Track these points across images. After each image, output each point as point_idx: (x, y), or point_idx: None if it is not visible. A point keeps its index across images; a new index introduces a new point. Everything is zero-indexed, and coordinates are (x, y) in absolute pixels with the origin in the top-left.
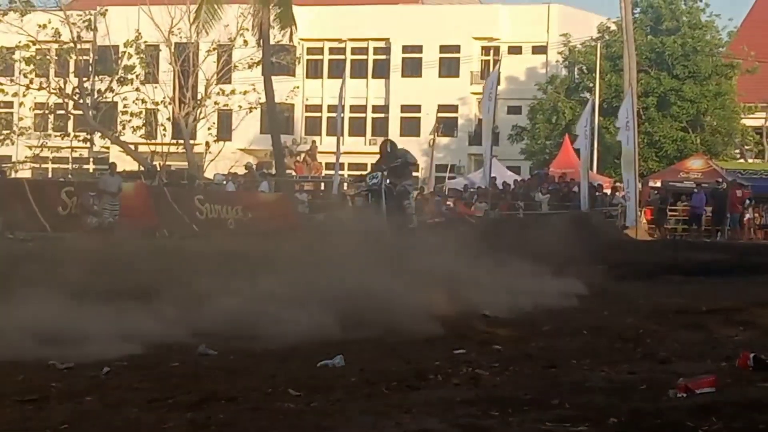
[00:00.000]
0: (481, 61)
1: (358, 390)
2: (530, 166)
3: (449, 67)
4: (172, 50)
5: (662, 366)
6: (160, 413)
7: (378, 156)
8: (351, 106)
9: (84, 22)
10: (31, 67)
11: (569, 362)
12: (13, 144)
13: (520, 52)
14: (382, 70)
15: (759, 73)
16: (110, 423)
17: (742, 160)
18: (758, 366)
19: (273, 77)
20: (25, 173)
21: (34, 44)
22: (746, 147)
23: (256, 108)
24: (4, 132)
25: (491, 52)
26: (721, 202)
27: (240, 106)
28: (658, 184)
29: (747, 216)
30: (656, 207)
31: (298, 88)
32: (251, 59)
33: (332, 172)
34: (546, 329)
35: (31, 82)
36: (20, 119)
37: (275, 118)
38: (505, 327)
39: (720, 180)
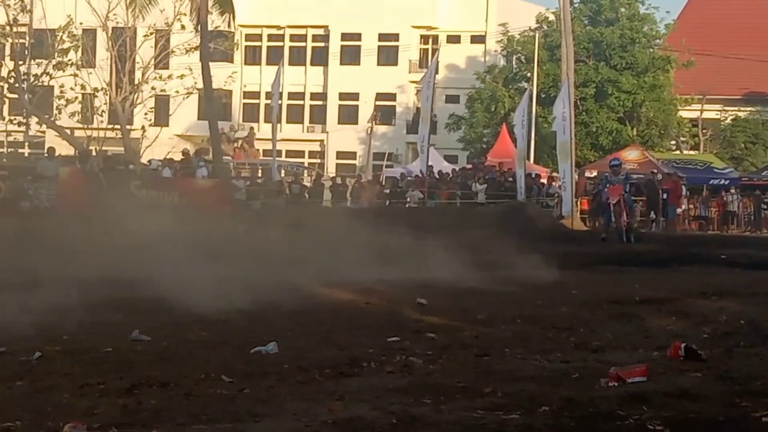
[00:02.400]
0: (420, 49)
1: (291, 377)
2: (468, 155)
3: (388, 56)
4: (109, 35)
5: (595, 355)
6: (92, 398)
7: None
8: (289, 93)
9: (19, 4)
10: None
11: (502, 351)
12: None
13: (459, 41)
14: (320, 58)
15: (695, 65)
16: (41, 408)
17: (677, 152)
18: (689, 356)
19: (211, 63)
20: None
21: None
22: (682, 139)
23: (193, 93)
24: None
25: (430, 40)
26: (655, 193)
27: (177, 92)
28: (594, 174)
29: (682, 207)
30: (592, 197)
31: (236, 73)
32: (189, 44)
33: (270, 158)
34: (480, 318)
35: None
36: None
37: (213, 104)
38: (439, 315)
39: (655, 171)
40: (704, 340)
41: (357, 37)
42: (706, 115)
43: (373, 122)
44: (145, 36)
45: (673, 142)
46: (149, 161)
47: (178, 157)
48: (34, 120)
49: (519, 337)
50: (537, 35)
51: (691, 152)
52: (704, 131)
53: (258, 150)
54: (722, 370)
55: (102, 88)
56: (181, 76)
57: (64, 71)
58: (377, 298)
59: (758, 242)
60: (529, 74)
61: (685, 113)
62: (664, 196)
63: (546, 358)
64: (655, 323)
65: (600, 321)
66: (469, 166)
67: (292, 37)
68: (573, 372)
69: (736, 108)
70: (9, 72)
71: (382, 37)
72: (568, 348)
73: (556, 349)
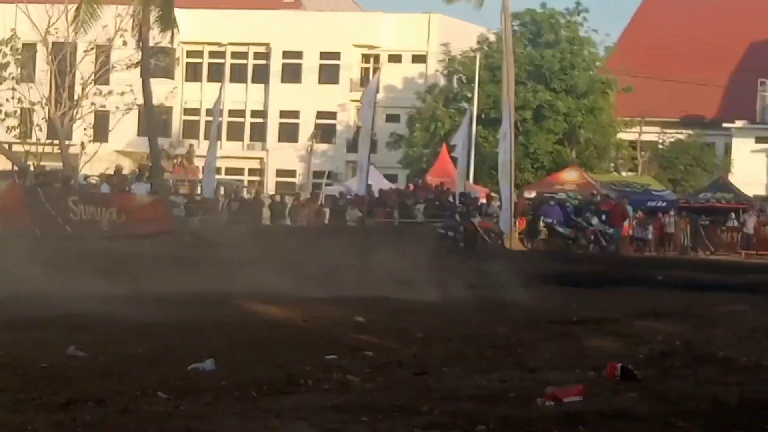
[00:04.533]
0: (361, 68)
1: (228, 393)
2: (408, 175)
3: (329, 74)
4: (49, 49)
5: (532, 375)
6: (26, 414)
7: None
8: (230, 111)
9: None
10: None
11: (440, 369)
12: None
13: (400, 61)
14: (261, 75)
15: (635, 88)
16: None
17: (615, 173)
18: (625, 376)
19: (151, 79)
20: None
21: None
22: (620, 160)
23: (133, 109)
24: None
25: (371, 59)
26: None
27: (117, 108)
28: (533, 195)
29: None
30: (529, 217)
31: (176, 89)
32: (130, 60)
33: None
34: (418, 336)
35: None
36: None
37: (153, 120)
38: (377, 333)
39: (594, 192)
40: (640, 360)
41: (298, 55)
42: (644, 137)
43: (314, 140)
44: (85, 51)
45: (612, 164)
46: (84, 177)
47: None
48: None
49: (457, 356)
50: (478, 56)
51: (630, 174)
52: (643, 153)
53: (198, 167)
54: (658, 390)
55: (40, 102)
56: (122, 93)
57: (0, 84)
58: (315, 316)
59: (694, 264)
60: (469, 94)
61: (624, 135)
62: (603, 217)
63: (484, 377)
64: (592, 343)
65: (537, 341)
66: (405, 185)
67: (234, 54)
68: (510, 391)
69: (674, 130)
70: None
71: (324, 55)
72: (506, 367)
73: (494, 368)
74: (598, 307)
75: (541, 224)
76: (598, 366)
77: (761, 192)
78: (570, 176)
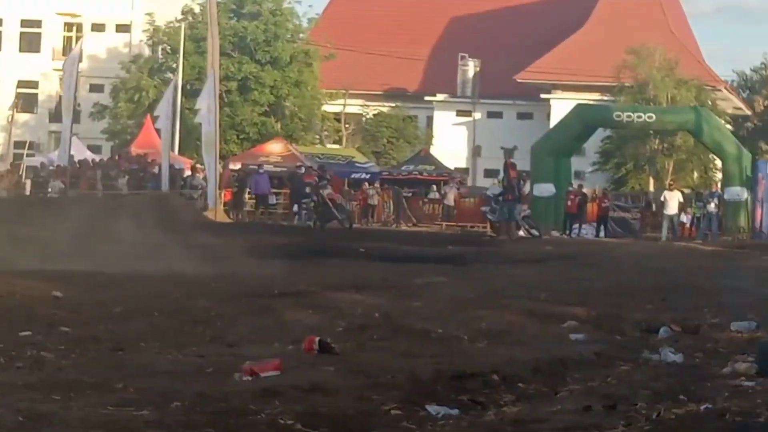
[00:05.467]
0: (64, 37)
1: None
2: (112, 146)
3: (30, 42)
4: None
5: (230, 349)
6: None
7: None
8: None
9: None
10: None
11: (138, 345)
12: None
13: (104, 30)
14: None
15: (339, 60)
16: None
17: (320, 145)
18: (323, 350)
19: None
20: None
21: None
22: (325, 132)
23: None
24: None
25: (74, 28)
26: (299, 185)
27: None
28: (239, 167)
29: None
30: (235, 189)
31: None
32: None
33: None
34: (117, 311)
35: None
36: None
37: None
38: (75, 308)
39: (299, 164)
40: (339, 333)
41: None
42: (348, 109)
43: (14, 110)
44: None
45: (317, 136)
46: None
47: None
48: None
49: (155, 331)
50: (183, 26)
51: (335, 146)
52: (347, 126)
53: None
54: (354, 363)
55: None
56: None
57: None
58: (11, 291)
59: (397, 236)
60: (174, 65)
61: (329, 107)
62: (307, 189)
63: (181, 352)
64: (292, 317)
65: (237, 314)
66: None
67: None
68: (207, 366)
69: (378, 103)
70: None
71: (25, 23)
72: (204, 342)
73: (192, 343)
74: (300, 280)
75: (246, 196)
76: (297, 340)
77: (462, 164)
78: (275, 148)
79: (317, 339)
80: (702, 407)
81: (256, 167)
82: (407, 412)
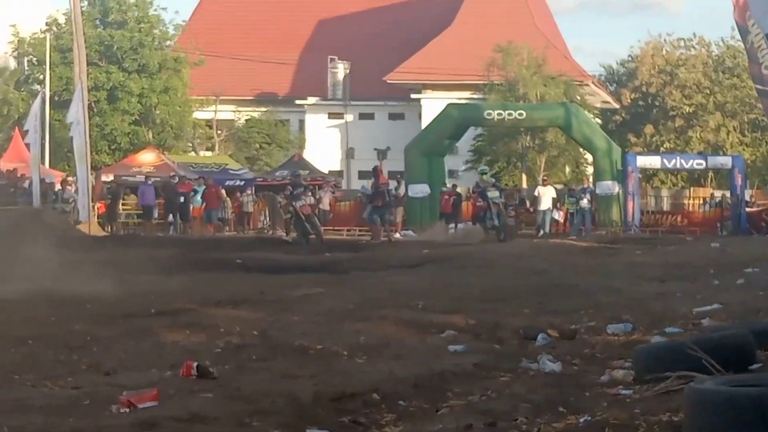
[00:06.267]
0: None
1: None
2: None
3: None
4: None
5: (107, 378)
6: None
7: None
8: None
9: None
10: None
11: (11, 377)
12: None
13: None
14: None
15: (208, 67)
16: None
17: (193, 153)
18: (201, 374)
19: None
20: None
21: None
22: (197, 140)
23: None
24: None
25: None
26: (173, 195)
27: None
28: (111, 178)
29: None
30: (108, 201)
31: None
32: None
33: None
34: None
35: None
36: None
37: None
38: None
39: (173, 174)
40: (217, 354)
41: None
42: (220, 116)
43: None
44: None
45: (189, 144)
46: None
47: None
48: None
49: (29, 361)
50: (48, 37)
51: (207, 153)
52: (219, 132)
53: None
54: (233, 388)
55: None
56: None
57: None
58: None
59: (271, 243)
60: (41, 77)
61: (200, 114)
62: (182, 199)
63: (56, 384)
64: (170, 338)
65: (114, 338)
66: None
67: None
68: (84, 398)
69: (249, 108)
70: None
71: None
72: (80, 371)
73: (67, 373)
74: (177, 297)
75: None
76: (175, 364)
77: (336, 167)
78: (147, 158)
79: (195, 364)
80: (581, 419)
81: (130, 178)
82: None
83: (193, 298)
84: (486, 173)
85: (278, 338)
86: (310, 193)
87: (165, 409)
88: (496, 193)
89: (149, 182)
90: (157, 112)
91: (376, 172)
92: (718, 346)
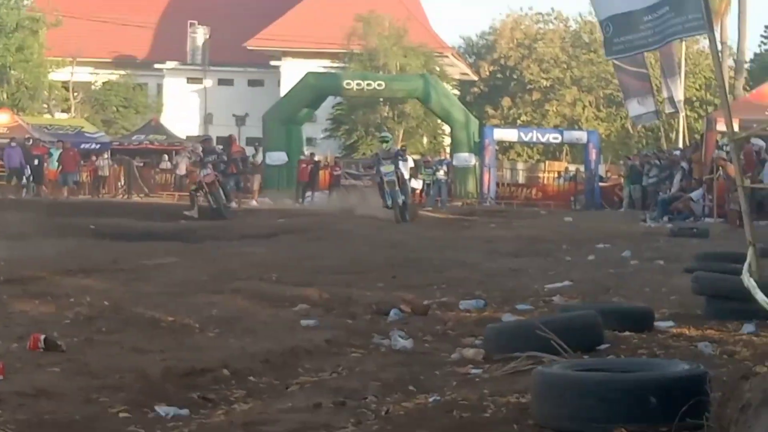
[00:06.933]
0: None
1: None
2: None
3: None
4: None
5: None
6: None
7: None
8: None
9: None
10: None
11: None
12: None
13: None
14: None
15: (66, 28)
16: None
17: (48, 115)
18: (48, 347)
19: None
20: None
21: None
22: (53, 102)
23: None
24: None
25: None
26: (28, 157)
27: None
28: None
29: None
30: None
31: None
32: None
33: None
34: None
35: None
36: None
37: None
38: None
39: (27, 136)
40: (66, 325)
41: None
42: (77, 78)
43: None
44: None
45: (44, 106)
46: None
47: None
48: None
49: None
50: None
51: (63, 116)
52: (75, 94)
53: None
54: (82, 362)
55: None
56: None
57: None
58: None
59: (129, 208)
60: None
61: (57, 76)
62: (35, 162)
63: None
64: (19, 308)
65: None
66: None
67: None
68: None
69: (107, 71)
70: None
71: None
72: None
73: None
74: (28, 263)
75: None
76: (22, 336)
77: (194, 132)
78: (2, 119)
79: (42, 337)
80: (430, 399)
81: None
82: (136, 414)
83: (44, 265)
84: (388, 141)
85: (129, 310)
86: (222, 163)
87: (10, 383)
88: (390, 168)
89: (13, 144)
90: (12, 72)
91: (229, 141)
92: (567, 327)
